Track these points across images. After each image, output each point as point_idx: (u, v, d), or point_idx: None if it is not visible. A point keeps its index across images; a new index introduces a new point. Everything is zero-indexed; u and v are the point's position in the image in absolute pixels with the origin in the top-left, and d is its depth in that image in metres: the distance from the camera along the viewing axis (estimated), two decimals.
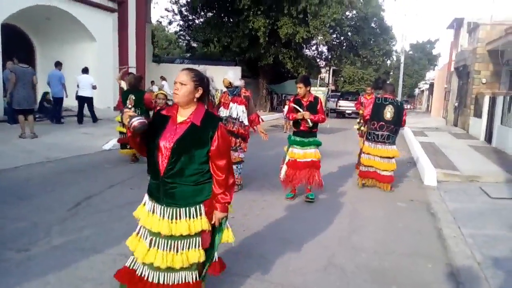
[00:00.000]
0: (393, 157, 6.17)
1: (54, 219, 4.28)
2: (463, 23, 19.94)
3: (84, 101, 11.88)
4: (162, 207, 2.29)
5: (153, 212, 2.32)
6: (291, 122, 5.57)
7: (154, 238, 2.29)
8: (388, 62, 40.28)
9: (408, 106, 37.13)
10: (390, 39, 30.28)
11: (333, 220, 4.70)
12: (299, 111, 5.24)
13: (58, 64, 11.31)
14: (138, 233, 2.39)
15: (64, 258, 3.36)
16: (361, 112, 7.54)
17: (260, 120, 6.04)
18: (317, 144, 5.43)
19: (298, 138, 5.39)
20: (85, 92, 11.71)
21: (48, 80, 11.01)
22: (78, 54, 14.05)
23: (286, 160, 5.48)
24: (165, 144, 2.22)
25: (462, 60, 17.41)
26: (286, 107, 14.79)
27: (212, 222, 2.38)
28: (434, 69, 43.62)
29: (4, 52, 10.67)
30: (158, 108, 5.75)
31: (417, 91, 55.14)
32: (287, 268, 3.38)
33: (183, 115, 2.29)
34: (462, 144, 11.61)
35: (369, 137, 6.24)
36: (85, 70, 11.94)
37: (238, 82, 5.81)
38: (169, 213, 2.28)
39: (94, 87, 11.82)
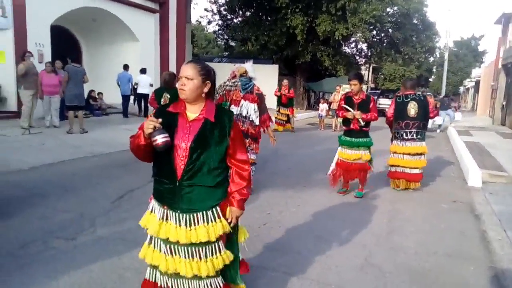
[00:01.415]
0: (422, 154, 5.96)
1: (99, 210, 4.48)
2: None
3: (144, 97, 13.19)
4: (177, 213, 2.08)
5: (167, 219, 2.11)
6: (341, 120, 5.53)
7: (172, 246, 2.10)
8: (431, 59, 38.87)
9: (453, 105, 35.72)
10: (433, 35, 29.11)
11: (371, 220, 4.62)
12: (349, 111, 5.21)
13: (126, 67, 12.90)
14: (150, 243, 2.19)
15: (107, 247, 3.51)
16: None
17: (271, 122, 5.57)
18: (368, 145, 5.35)
19: (347, 138, 5.37)
20: (144, 90, 13.19)
21: (117, 80, 12.75)
22: (122, 54, 14.56)
23: (335, 159, 5.53)
24: (182, 143, 2.03)
25: (510, 56, 16.53)
26: (321, 105, 14.65)
27: (229, 221, 2.20)
28: (480, 66, 41.63)
29: (53, 52, 11.24)
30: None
31: (462, 89, 52.88)
32: (323, 266, 3.36)
33: (193, 112, 2.11)
34: (509, 144, 11.04)
35: (397, 136, 6.01)
36: (143, 71, 13.37)
37: (252, 74, 5.40)
38: (185, 219, 2.07)
39: (151, 85, 13.17)
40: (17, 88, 9.31)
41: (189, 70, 2.05)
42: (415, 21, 26.43)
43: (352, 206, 5.17)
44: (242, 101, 5.34)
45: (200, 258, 2.10)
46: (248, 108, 5.23)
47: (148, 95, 12.90)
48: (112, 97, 13.97)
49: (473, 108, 36.38)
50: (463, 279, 3.27)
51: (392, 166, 6.08)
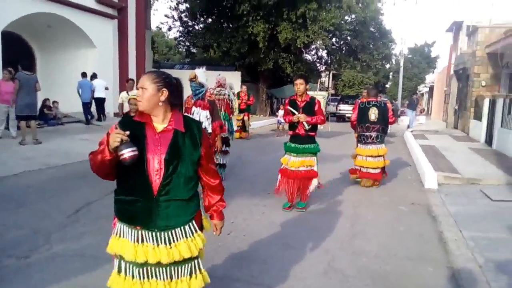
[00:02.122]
0: (382, 156, 6.59)
1: (54, 226, 4.27)
2: (462, 26, 19.99)
3: (101, 101, 13.35)
4: (154, 233, 1.95)
5: (142, 241, 1.95)
6: (288, 125, 5.11)
7: (150, 269, 1.97)
8: (388, 65, 40.35)
9: (403, 109, 37.25)
10: (389, 42, 30.33)
11: (334, 225, 4.68)
12: (294, 113, 4.84)
13: (85, 75, 12.93)
14: (120, 271, 1.99)
15: (64, 265, 3.35)
16: None
17: (223, 130, 5.52)
18: (314, 152, 4.99)
19: (293, 145, 4.97)
20: (101, 94, 13.21)
21: (78, 87, 12.58)
22: (79, 61, 14.08)
23: (281, 167, 5.12)
24: (155, 156, 1.91)
25: (461, 63, 17.43)
26: (280, 112, 14.84)
27: (215, 234, 2.24)
28: (433, 72, 43.65)
29: (4, 59, 10.69)
30: (131, 114, 5.03)
31: (417, 94, 55.08)
32: (289, 273, 3.36)
33: (160, 123, 2.00)
34: (462, 147, 11.59)
35: (360, 139, 6.68)
36: (95, 76, 13.29)
37: (203, 80, 5.28)
38: (164, 238, 1.96)
39: (106, 88, 13.33)
40: None
41: (143, 80, 1.99)
42: (372, 29, 27.44)
43: (316, 212, 5.22)
44: (194, 108, 5.26)
45: (179, 277, 2.01)
46: (200, 115, 5.15)
47: (104, 99, 13.36)
48: (68, 105, 13.45)
49: (428, 112, 38.00)
50: (423, 280, 3.37)
51: (357, 165, 6.74)
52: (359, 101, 7.21)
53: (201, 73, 5.33)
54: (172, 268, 1.99)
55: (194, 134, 2.04)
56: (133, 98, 5.17)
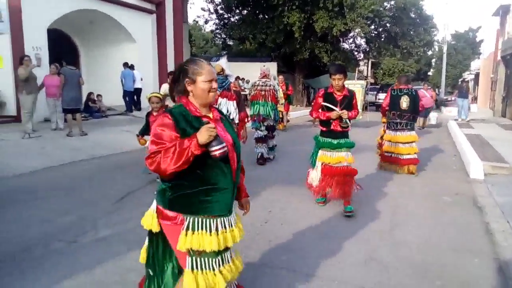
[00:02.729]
0: (413, 142, 6.66)
1: (100, 212, 4.47)
2: (510, 9, 18.88)
3: (138, 92, 13.99)
4: (229, 217, 2.04)
5: (224, 227, 2.00)
6: (319, 120, 4.71)
7: (223, 255, 2.02)
8: (430, 52, 38.78)
9: (452, 98, 35.59)
10: (431, 28, 29.06)
11: (374, 215, 4.60)
12: (333, 110, 4.39)
13: (128, 65, 13.58)
14: (194, 268, 1.95)
15: (109, 249, 3.50)
16: None
17: (248, 121, 5.42)
18: (350, 146, 4.63)
19: (327, 140, 4.60)
20: (138, 85, 13.87)
21: (121, 76, 13.35)
22: (119, 55, 14.52)
23: (318, 165, 4.68)
24: (228, 144, 1.93)
25: (509, 48, 16.49)
26: (315, 104, 14.56)
27: (246, 212, 2.35)
28: (478, 58, 41.53)
29: (50, 55, 11.22)
30: (154, 113, 5.22)
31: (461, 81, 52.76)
32: (327, 262, 3.35)
33: (208, 113, 2.04)
34: (510, 136, 11.01)
35: (389, 126, 6.81)
36: (132, 67, 13.82)
37: (228, 71, 5.21)
38: (232, 221, 2.06)
39: (141, 79, 14.05)
40: (17, 92, 9.29)
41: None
42: (412, 15, 26.37)
43: (355, 201, 5.13)
44: (220, 99, 5.23)
45: (231, 260, 2.09)
46: (228, 106, 5.12)
47: (141, 89, 13.91)
48: (111, 98, 13.96)
49: (473, 100, 36.30)
50: (468, 271, 3.25)
51: (386, 152, 6.85)
52: (392, 88, 7.26)
53: (225, 64, 5.33)
54: (230, 251, 2.09)
55: (230, 123, 2.20)
56: (155, 97, 5.21)
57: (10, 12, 10.16)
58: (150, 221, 2.04)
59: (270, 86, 7.15)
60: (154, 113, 5.21)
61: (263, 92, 7.12)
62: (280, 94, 7.62)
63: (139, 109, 13.98)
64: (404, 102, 6.60)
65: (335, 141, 4.55)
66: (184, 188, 1.93)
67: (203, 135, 1.78)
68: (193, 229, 1.93)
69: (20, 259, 3.30)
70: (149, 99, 5.26)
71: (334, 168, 4.56)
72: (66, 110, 9.25)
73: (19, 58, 9.07)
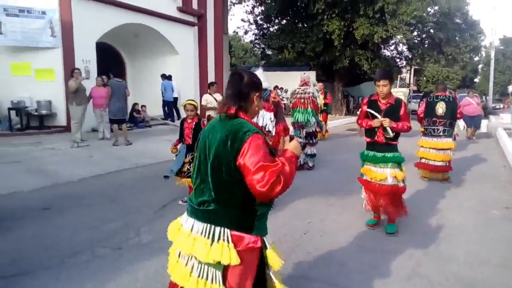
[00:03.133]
0: (448, 149, 6.61)
1: (143, 220, 4.61)
2: None
3: (175, 101, 14.42)
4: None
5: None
6: (365, 130, 4.38)
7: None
8: (476, 58, 37.19)
9: (501, 106, 33.83)
10: (478, 34, 27.90)
11: (418, 228, 4.44)
12: (376, 117, 4.12)
13: (168, 77, 14.16)
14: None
15: (151, 256, 3.60)
16: None
17: (287, 132, 5.16)
18: (397, 161, 4.20)
19: (370, 153, 4.27)
20: (175, 94, 14.34)
21: (162, 88, 13.93)
22: (162, 67, 15.00)
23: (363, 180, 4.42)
24: None
25: None
26: (360, 112, 14.27)
27: None
28: None
29: (98, 68, 11.78)
30: (188, 120, 5.24)
31: (510, 88, 50.14)
32: (369, 277, 3.27)
33: None
34: None
35: (426, 132, 6.81)
36: (170, 77, 14.33)
37: (266, 84, 4.90)
38: None
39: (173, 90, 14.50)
40: (68, 104, 9.80)
41: None
42: (457, 20, 25.46)
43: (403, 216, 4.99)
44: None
45: None
46: (264, 117, 4.96)
47: (177, 98, 14.45)
48: (155, 109, 14.42)
49: None
50: None
51: (420, 158, 6.89)
52: (430, 95, 7.35)
53: (262, 75, 5.26)
54: None
55: None
56: (190, 104, 5.20)
57: (62, 27, 10.78)
58: (225, 255, 1.78)
59: (309, 93, 7.23)
60: (189, 120, 5.29)
61: (302, 100, 7.23)
62: (321, 100, 7.64)
63: (179, 117, 14.43)
64: (440, 108, 6.60)
65: (379, 154, 4.19)
66: (254, 209, 1.90)
67: (298, 150, 1.92)
68: (265, 247, 1.98)
69: (67, 263, 3.46)
70: (184, 106, 5.37)
71: (376, 185, 4.19)
72: (112, 121, 9.65)
73: (70, 70, 9.59)
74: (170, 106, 14.32)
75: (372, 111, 4.17)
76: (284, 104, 22.46)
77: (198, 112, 5.42)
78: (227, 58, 20.40)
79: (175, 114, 14.57)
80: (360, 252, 3.78)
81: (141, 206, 5.17)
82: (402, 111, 4.14)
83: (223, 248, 1.78)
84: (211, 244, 1.80)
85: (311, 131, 7.42)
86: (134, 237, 4.11)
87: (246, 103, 1.94)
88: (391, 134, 4.07)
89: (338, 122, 18.28)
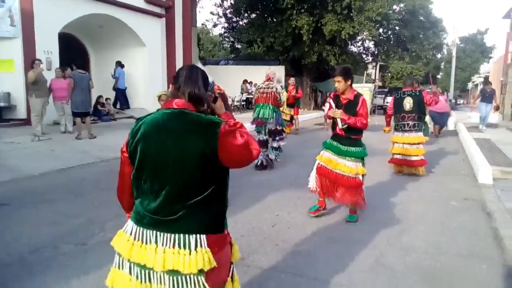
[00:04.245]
0: (420, 143, 6.78)
1: (108, 215, 4.50)
2: None
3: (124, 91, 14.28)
4: None
5: None
6: (331, 124, 4.61)
7: None
8: (439, 55, 38.51)
9: (461, 101, 35.33)
10: (440, 32, 28.87)
11: (382, 220, 4.57)
12: (332, 108, 4.37)
13: (122, 65, 13.94)
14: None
15: None
16: None
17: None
18: (358, 156, 4.32)
19: (334, 143, 4.41)
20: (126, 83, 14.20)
21: (116, 74, 13.75)
22: (129, 59, 14.65)
23: (315, 164, 4.56)
24: None
25: None
26: (327, 105, 14.47)
27: None
28: (488, 62, 41.18)
29: (61, 59, 11.36)
30: None
31: (470, 85, 52.37)
32: (334, 267, 3.34)
33: None
34: None
35: (397, 128, 6.96)
36: (123, 66, 14.10)
37: (210, 78, 5.14)
38: None
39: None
40: (27, 96, 9.41)
41: None
42: (421, 18, 26.22)
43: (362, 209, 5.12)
44: None
45: None
46: None
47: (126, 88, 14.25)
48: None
49: (496, 109, 35.97)
50: (476, 278, 3.22)
51: (394, 154, 7.00)
52: (397, 91, 7.53)
53: (204, 69, 5.23)
54: None
55: None
56: (165, 95, 5.17)
57: (23, 16, 10.31)
58: (205, 261, 1.69)
59: (272, 88, 7.14)
60: None
61: (264, 95, 7.16)
62: (283, 97, 7.54)
63: (128, 107, 14.42)
64: (408, 104, 6.79)
65: (343, 147, 4.33)
66: (225, 206, 1.87)
67: (222, 108, 1.99)
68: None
69: (29, 261, 3.34)
70: (159, 97, 5.35)
71: (330, 172, 4.36)
72: (75, 114, 9.34)
73: (30, 61, 9.20)
74: (124, 94, 14.14)
75: (332, 103, 4.44)
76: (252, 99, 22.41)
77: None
78: (195, 51, 20.19)
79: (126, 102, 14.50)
80: (326, 243, 3.86)
81: (105, 201, 5.03)
82: (358, 107, 4.24)
83: (202, 254, 1.69)
84: (190, 254, 1.69)
85: (271, 128, 7.26)
86: (99, 232, 4.01)
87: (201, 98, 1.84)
88: (341, 126, 4.25)
89: (306, 117, 18.48)
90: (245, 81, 20.74)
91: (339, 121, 4.23)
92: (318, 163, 4.51)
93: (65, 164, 7.04)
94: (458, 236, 4.12)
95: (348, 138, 4.31)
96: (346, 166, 4.31)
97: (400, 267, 3.37)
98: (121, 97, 14.17)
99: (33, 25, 10.53)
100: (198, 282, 1.70)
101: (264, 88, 7.20)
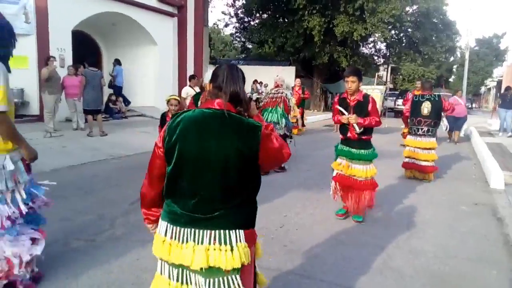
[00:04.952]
0: (432, 149, 6.66)
1: (118, 212, 4.55)
2: None
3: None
4: None
5: None
6: (339, 126, 4.58)
7: None
8: (451, 58, 38.15)
9: (473, 105, 34.93)
10: (454, 34, 28.62)
11: (391, 223, 4.55)
12: (344, 114, 4.29)
13: (118, 62, 13.55)
14: None
15: (126, 248, 3.56)
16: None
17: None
18: (370, 159, 4.39)
19: (345, 148, 4.42)
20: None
21: (115, 73, 13.30)
22: (140, 57, 14.76)
23: (334, 173, 4.60)
24: None
25: None
26: (335, 110, 14.28)
27: None
28: (502, 65, 40.64)
29: (74, 56, 11.49)
30: (169, 114, 5.08)
31: (483, 89, 51.78)
32: (342, 269, 3.33)
33: None
34: None
35: (411, 131, 6.87)
36: (121, 63, 13.74)
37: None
38: None
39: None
40: (40, 92, 9.53)
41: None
42: (434, 20, 26.02)
43: (371, 209, 5.10)
44: None
45: None
46: None
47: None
48: (132, 100, 14.20)
49: (495, 108, 35.54)
50: (486, 283, 3.19)
51: (406, 157, 6.89)
52: (410, 93, 7.27)
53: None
54: None
55: None
56: (175, 99, 5.10)
57: (37, 14, 10.45)
58: (244, 256, 1.73)
59: (282, 93, 7.22)
60: (170, 115, 5.20)
61: (274, 99, 7.20)
62: (293, 103, 7.59)
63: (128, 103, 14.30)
64: (425, 108, 6.64)
65: (355, 151, 4.34)
66: (256, 203, 1.95)
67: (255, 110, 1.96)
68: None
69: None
70: (168, 101, 5.26)
71: (348, 178, 4.40)
72: (86, 111, 9.45)
73: (44, 58, 9.32)
74: (121, 92, 13.87)
75: (341, 108, 4.31)
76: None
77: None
78: (206, 51, 20.26)
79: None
80: (334, 245, 3.85)
81: (116, 198, 5.10)
82: (370, 107, 4.23)
83: (240, 250, 1.72)
84: (232, 250, 1.71)
85: (281, 134, 7.04)
86: (109, 229, 4.05)
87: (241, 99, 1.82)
88: (358, 130, 4.19)
89: (316, 118, 18.46)
90: (255, 81, 20.75)
91: (355, 125, 4.18)
92: (336, 172, 4.52)
93: (76, 160, 7.12)
94: (467, 241, 4.08)
95: (360, 141, 4.31)
96: (357, 170, 4.34)
97: (409, 271, 3.35)
98: (120, 95, 14.05)
99: (47, 23, 10.66)
100: (232, 281, 1.73)
101: (274, 93, 7.27)
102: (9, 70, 2.55)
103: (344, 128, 4.37)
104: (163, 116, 5.35)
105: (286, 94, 7.24)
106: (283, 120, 7.10)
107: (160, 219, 1.85)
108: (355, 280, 3.16)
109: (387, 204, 5.28)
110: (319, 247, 3.78)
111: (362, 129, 4.21)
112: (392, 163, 7.69)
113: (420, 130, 6.72)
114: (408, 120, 6.99)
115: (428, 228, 4.41)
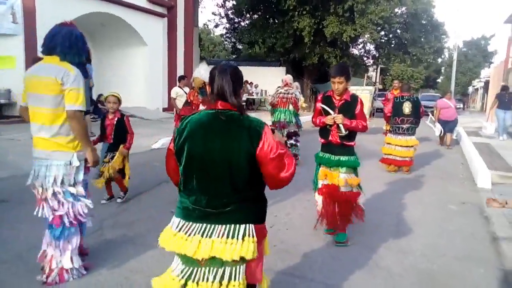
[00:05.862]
0: (412, 146, 7.24)
1: (106, 213, 4.51)
2: None
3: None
4: None
5: None
6: (318, 130, 4.01)
7: None
8: (440, 59, 38.57)
9: (461, 105, 35.33)
10: (442, 35, 28.94)
11: (380, 223, 4.58)
12: (329, 113, 3.74)
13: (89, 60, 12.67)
14: None
15: (115, 250, 3.53)
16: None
17: None
18: (352, 166, 3.80)
19: (325, 155, 3.86)
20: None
21: (90, 72, 12.26)
22: (130, 58, 14.69)
23: (319, 185, 4.00)
24: None
25: None
26: (317, 109, 14.25)
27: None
28: (489, 67, 41.21)
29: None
30: (109, 116, 4.94)
31: (471, 89, 52.39)
32: (331, 268, 3.35)
33: None
34: None
35: (392, 130, 7.42)
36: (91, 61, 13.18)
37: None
38: None
39: None
40: None
41: None
42: (423, 21, 26.29)
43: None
44: (201, 106, 5.20)
45: None
46: None
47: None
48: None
49: (482, 108, 36.04)
50: (473, 281, 3.23)
51: (385, 154, 7.48)
52: (390, 94, 8.43)
53: (205, 73, 5.04)
54: None
55: None
56: (113, 96, 4.95)
57: (25, 13, 10.34)
58: (251, 250, 1.79)
59: (292, 93, 7.39)
60: (110, 116, 4.87)
61: (284, 99, 7.37)
62: (302, 102, 7.89)
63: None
64: (407, 108, 7.22)
65: (333, 157, 3.79)
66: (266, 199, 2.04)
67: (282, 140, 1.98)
68: None
69: (27, 258, 3.34)
70: (106, 98, 4.86)
71: (334, 188, 3.79)
72: None
73: (32, 59, 9.19)
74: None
75: (326, 107, 3.80)
76: (254, 99, 22.37)
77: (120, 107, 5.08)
78: (196, 51, 20.20)
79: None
80: (324, 245, 3.87)
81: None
82: (357, 109, 3.74)
83: (249, 243, 1.79)
84: (236, 244, 1.78)
85: (292, 131, 7.59)
86: (97, 230, 4.01)
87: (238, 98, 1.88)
88: (344, 132, 3.67)
89: (305, 118, 18.46)
90: (245, 82, 20.77)
91: (341, 126, 3.65)
92: (321, 184, 3.97)
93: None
94: (455, 240, 4.13)
95: (341, 146, 3.75)
96: (339, 179, 3.77)
97: (398, 269, 3.38)
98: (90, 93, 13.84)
99: (35, 23, 10.55)
100: (237, 271, 1.80)
101: (284, 93, 7.46)
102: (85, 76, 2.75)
103: (326, 131, 3.82)
104: (103, 119, 5.11)
105: (295, 94, 7.44)
106: (294, 118, 7.56)
107: (173, 216, 1.94)
108: (345, 279, 3.18)
109: (375, 203, 5.32)
110: (309, 246, 3.79)
111: (347, 132, 3.69)
112: (379, 164, 7.75)
113: (400, 129, 7.27)
114: (390, 120, 7.52)
115: (417, 227, 4.46)
